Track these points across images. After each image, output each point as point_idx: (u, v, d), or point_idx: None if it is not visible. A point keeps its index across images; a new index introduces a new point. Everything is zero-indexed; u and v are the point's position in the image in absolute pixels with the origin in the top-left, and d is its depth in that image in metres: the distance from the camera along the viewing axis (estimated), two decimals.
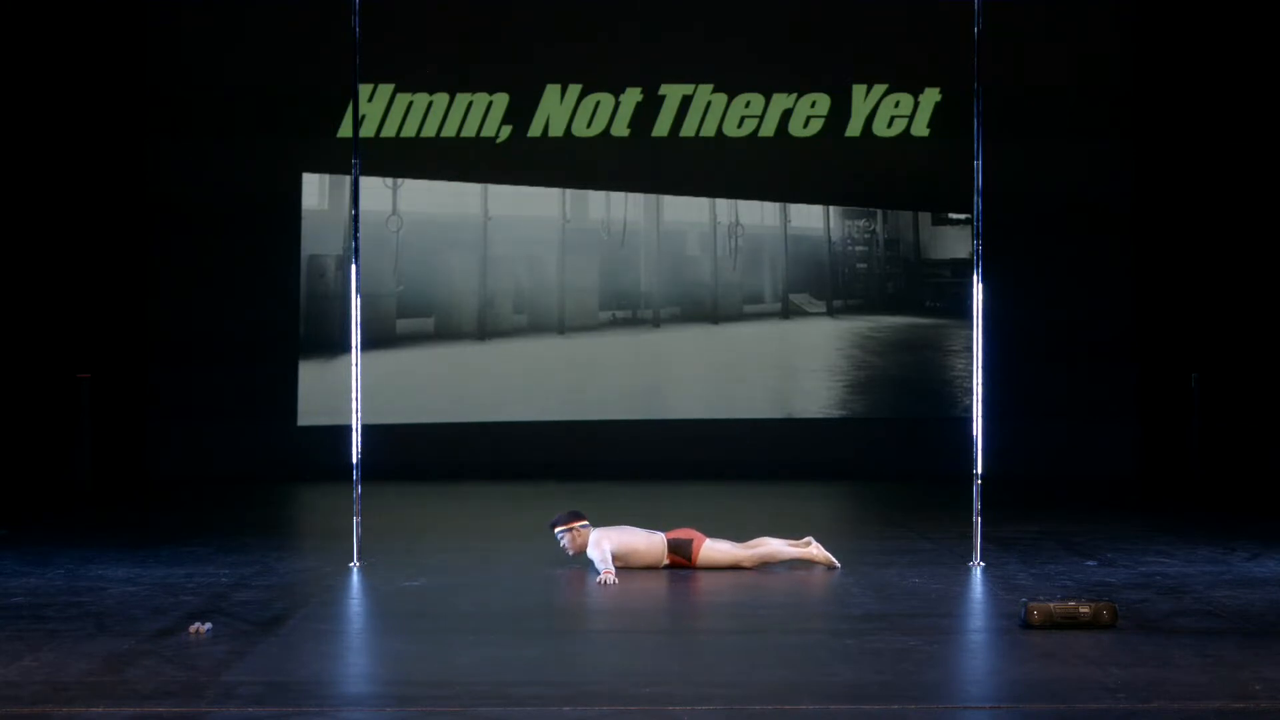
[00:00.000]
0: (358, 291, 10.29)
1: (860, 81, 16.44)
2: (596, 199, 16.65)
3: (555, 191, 16.61)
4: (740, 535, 10.41)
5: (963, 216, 16.54)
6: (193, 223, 16.34)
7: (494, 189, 16.54)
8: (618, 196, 16.62)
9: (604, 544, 9.87)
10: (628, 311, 16.54)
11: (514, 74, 16.39)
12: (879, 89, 16.43)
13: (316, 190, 16.47)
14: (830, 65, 16.47)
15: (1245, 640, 7.74)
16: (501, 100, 16.38)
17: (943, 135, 16.28)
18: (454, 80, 16.41)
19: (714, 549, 10.11)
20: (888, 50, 16.51)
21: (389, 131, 16.34)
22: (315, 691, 6.84)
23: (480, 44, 16.47)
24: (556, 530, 10.13)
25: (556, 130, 16.42)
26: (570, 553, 10.07)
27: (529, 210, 16.64)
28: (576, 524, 10.11)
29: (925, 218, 16.70)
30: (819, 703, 6.52)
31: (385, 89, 16.30)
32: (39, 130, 15.21)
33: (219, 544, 11.23)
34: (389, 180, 16.47)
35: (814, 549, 10.12)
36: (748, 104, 16.40)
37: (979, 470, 10.14)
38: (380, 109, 16.28)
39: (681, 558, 10.06)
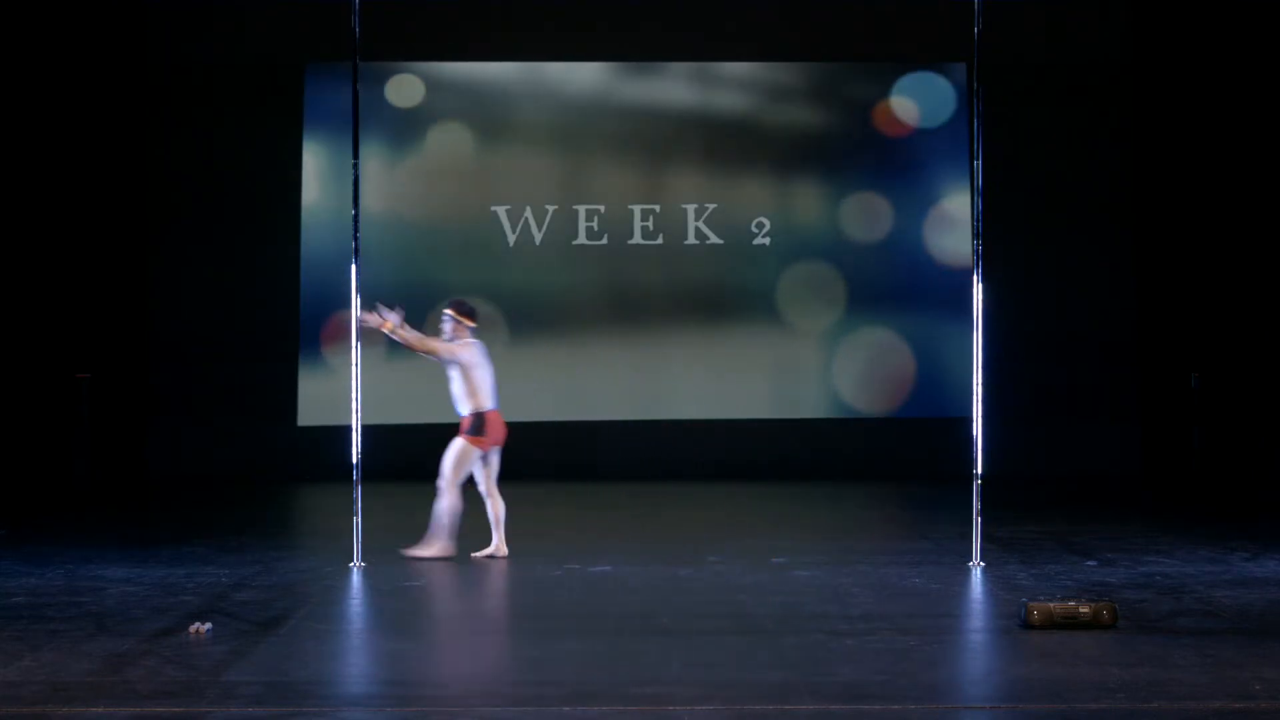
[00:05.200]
0: (358, 291, 10.29)
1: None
2: (596, 196, 16.59)
3: (554, 190, 16.58)
4: (742, 536, 10.40)
5: (963, 216, 16.49)
6: (193, 221, 16.34)
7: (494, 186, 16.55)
8: (617, 193, 16.56)
9: (460, 357, 10.25)
10: (628, 311, 16.46)
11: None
12: None
13: (316, 189, 16.43)
14: None
15: (1245, 640, 7.75)
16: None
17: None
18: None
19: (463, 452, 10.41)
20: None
21: None
22: (315, 691, 6.85)
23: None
24: (446, 311, 10.46)
25: None
26: (444, 336, 10.42)
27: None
28: (465, 320, 10.43)
29: (926, 217, 16.62)
30: (819, 703, 6.53)
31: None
32: (38, 130, 15.20)
33: (219, 544, 11.23)
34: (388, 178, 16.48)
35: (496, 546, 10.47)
36: None
37: (979, 470, 10.14)
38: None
39: (473, 435, 10.37)
